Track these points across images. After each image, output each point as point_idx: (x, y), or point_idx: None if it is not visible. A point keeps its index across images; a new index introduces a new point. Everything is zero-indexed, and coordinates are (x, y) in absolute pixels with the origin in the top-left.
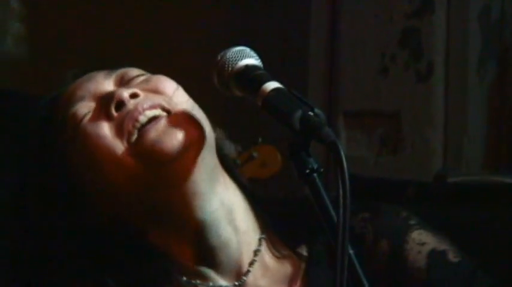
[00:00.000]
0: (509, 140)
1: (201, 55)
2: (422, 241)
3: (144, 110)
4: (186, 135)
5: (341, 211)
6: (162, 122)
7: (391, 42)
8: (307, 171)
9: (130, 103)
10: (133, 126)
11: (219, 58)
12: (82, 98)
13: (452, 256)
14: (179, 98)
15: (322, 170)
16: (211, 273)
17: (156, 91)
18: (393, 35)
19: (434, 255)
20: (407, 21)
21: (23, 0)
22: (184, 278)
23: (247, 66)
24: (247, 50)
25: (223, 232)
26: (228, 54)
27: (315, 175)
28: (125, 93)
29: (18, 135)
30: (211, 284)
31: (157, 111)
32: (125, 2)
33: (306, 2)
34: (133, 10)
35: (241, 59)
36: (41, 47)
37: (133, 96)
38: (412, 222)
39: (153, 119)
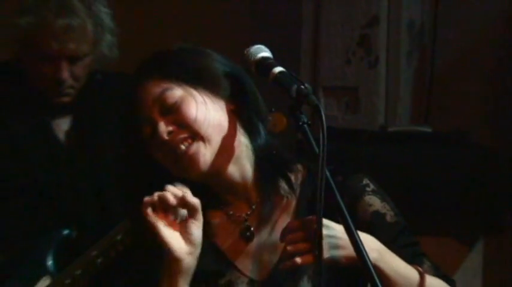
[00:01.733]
0: (427, 104)
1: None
2: (370, 203)
3: (178, 144)
4: (205, 161)
5: (321, 147)
6: (188, 154)
7: (352, 43)
8: (301, 123)
9: (169, 139)
10: (175, 154)
11: (245, 52)
12: (145, 121)
13: (389, 218)
14: (198, 123)
15: (309, 122)
16: (234, 205)
17: (183, 123)
18: (354, 39)
19: (376, 215)
20: (362, 30)
21: (113, 18)
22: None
23: (263, 57)
24: (263, 47)
25: (237, 185)
26: (251, 49)
27: (305, 125)
28: (165, 134)
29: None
30: (231, 212)
31: (186, 143)
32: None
33: (297, 23)
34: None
35: (259, 53)
36: (126, 51)
37: (170, 133)
38: (368, 189)
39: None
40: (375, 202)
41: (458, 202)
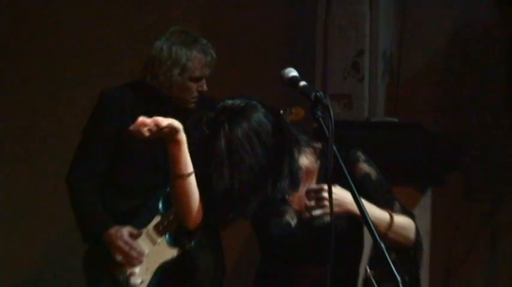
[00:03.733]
0: (395, 104)
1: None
2: (362, 168)
3: None
4: None
5: (331, 132)
6: None
7: (347, 66)
8: (317, 117)
9: None
10: None
11: (281, 72)
12: None
13: (373, 177)
14: None
15: (322, 116)
16: None
17: None
18: (348, 64)
19: (366, 175)
20: (353, 59)
21: (217, 53)
22: None
23: (293, 75)
24: (293, 68)
25: None
26: (285, 70)
27: (320, 118)
28: None
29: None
30: None
31: None
32: None
33: (313, 54)
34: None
35: (290, 73)
36: (223, 78)
37: None
38: (361, 158)
39: None
40: (365, 167)
41: (415, 165)
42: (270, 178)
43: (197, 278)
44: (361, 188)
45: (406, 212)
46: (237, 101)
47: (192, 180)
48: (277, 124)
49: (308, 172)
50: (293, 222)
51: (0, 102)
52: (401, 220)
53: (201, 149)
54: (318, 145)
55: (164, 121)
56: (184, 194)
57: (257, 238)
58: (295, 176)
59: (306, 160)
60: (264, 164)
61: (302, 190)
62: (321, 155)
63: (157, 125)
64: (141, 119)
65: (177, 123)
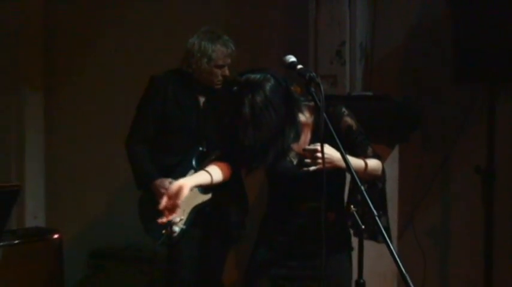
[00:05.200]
0: (370, 81)
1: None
2: (346, 121)
3: None
4: None
5: (322, 101)
6: None
7: (333, 54)
8: (310, 92)
9: None
10: None
11: (282, 58)
12: None
13: (354, 128)
14: None
15: (315, 91)
16: None
17: None
18: (333, 52)
19: (348, 126)
20: (337, 48)
21: (235, 43)
22: None
23: (292, 60)
24: (292, 55)
25: None
26: (285, 57)
27: (313, 93)
28: None
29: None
30: None
31: None
32: None
33: (307, 44)
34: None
35: (290, 58)
36: (239, 64)
37: None
38: (345, 113)
39: None
40: (348, 120)
41: (386, 127)
42: (281, 134)
43: (221, 217)
44: (345, 138)
45: (376, 155)
46: (257, 76)
47: (216, 175)
48: (285, 92)
49: (305, 125)
50: (294, 161)
51: (75, 80)
52: (372, 163)
53: (229, 116)
54: (311, 103)
55: (180, 197)
56: (218, 183)
57: (268, 175)
58: (297, 131)
59: (303, 117)
60: (277, 124)
61: (301, 139)
62: (314, 111)
63: (176, 202)
64: (161, 207)
65: (186, 188)
